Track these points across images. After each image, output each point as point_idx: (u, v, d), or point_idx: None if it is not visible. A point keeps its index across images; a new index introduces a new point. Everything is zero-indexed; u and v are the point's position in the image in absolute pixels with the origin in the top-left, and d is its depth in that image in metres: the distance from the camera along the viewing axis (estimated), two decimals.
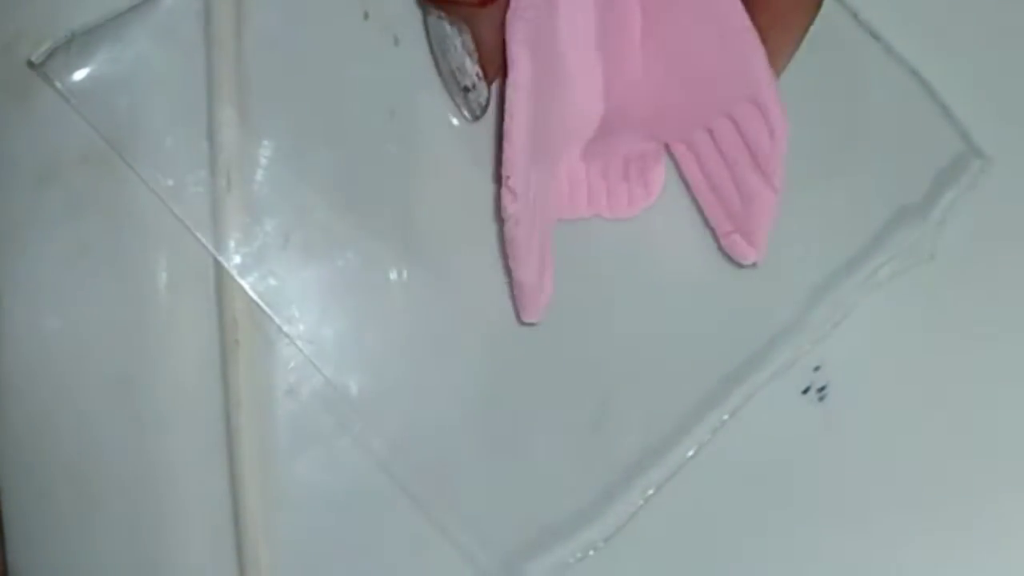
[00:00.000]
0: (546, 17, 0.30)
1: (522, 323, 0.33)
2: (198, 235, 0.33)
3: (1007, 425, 0.37)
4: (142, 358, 0.33)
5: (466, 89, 0.32)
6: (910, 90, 0.36)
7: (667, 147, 0.35)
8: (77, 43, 0.33)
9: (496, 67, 0.32)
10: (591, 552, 0.34)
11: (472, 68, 0.31)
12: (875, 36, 0.36)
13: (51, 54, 0.33)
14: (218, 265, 0.33)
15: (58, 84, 0.33)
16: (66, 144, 0.33)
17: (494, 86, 0.33)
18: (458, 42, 0.31)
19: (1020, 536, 0.36)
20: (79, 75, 0.33)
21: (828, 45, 0.35)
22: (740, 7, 0.30)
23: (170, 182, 0.33)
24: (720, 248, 0.35)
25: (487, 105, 0.33)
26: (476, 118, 0.34)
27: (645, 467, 0.35)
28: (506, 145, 0.28)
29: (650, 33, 0.32)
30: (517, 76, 0.28)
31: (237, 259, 0.33)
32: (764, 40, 0.30)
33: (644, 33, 0.32)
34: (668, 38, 0.32)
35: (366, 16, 0.34)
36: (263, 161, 0.34)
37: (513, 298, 0.33)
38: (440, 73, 0.33)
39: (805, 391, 0.36)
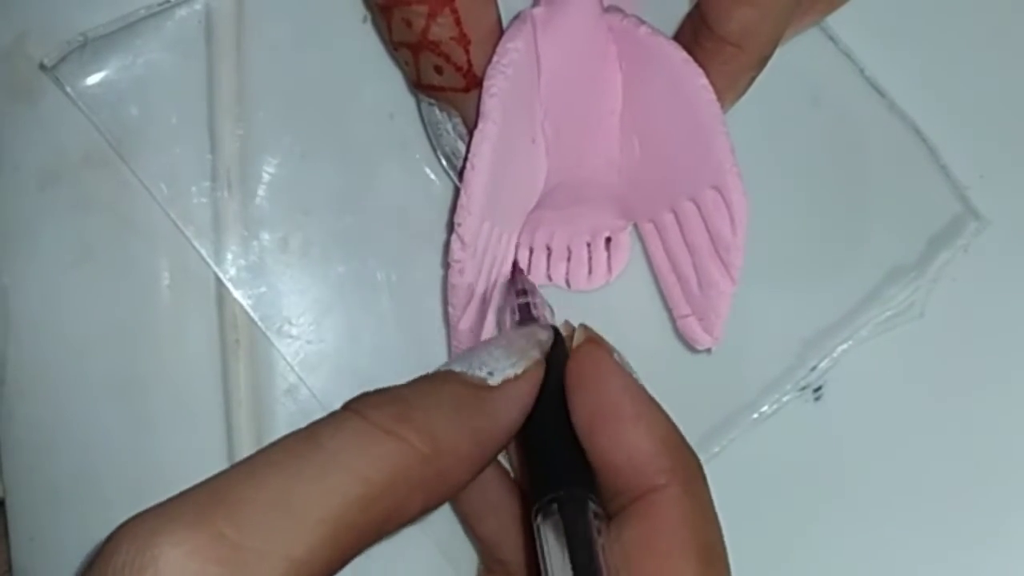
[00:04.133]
0: (525, 77, 0.30)
1: None
2: (197, 245, 0.34)
3: (1002, 427, 0.37)
4: (144, 357, 0.34)
5: (463, 173, 0.32)
6: (911, 149, 0.36)
7: (635, 226, 0.35)
8: (90, 49, 0.33)
9: None
10: None
11: (465, 152, 0.31)
12: (880, 93, 0.36)
13: (63, 58, 0.33)
14: (219, 265, 0.34)
15: (68, 88, 0.33)
16: (70, 145, 0.33)
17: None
18: (449, 127, 0.31)
19: (1017, 535, 0.36)
20: (91, 80, 0.33)
21: (833, 99, 0.36)
22: (713, 99, 0.30)
23: (173, 190, 0.34)
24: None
25: None
26: None
27: None
28: (463, 193, 0.28)
29: (628, 111, 0.32)
30: (486, 128, 0.28)
31: (233, 270, 0.34)
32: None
33: (623, 110, 0.32)
34: (644, 118, 0.32)
35: (365, 20, 0.34)
36: (264, 167, 0.34)
37: (449, 346, 0.33)
38: (438, 157, 0.33)
39: (801, 390, 0.36)
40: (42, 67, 0.33)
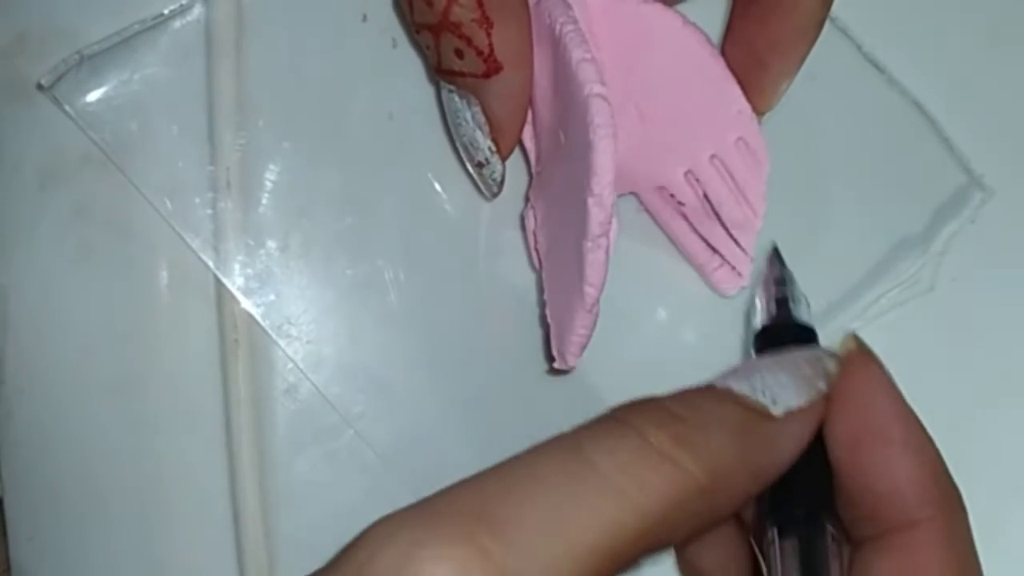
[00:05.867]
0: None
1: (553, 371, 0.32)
2: (204, 257, 0.34)
3: (1004, 442, 0.37)
4: (143, 358, 0.34)
5: (480, 165, 0.32)
6: (913, 122, 0.36)
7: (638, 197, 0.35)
8: (87, 66, 0.33)
9: (509, 142, 0.31)
10: None
11: (484, 142, 0.31)
12: (879, 68, 0.36)
13: (61, 77, 0.33)
14: (219, 265, 0.34)
15: (67, 107, 0.33)
16: (69, 145, 0.33)
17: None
18: (468, 115, 0.30)
19: (1017, 541, 0.36)
20: (89, 98, 0.34)
21: (832, 77, 0.36)
22: (717, 54, 0.31)
23: (176, 203, 0.34)
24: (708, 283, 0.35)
25: (503, 181, 0.32)
26: (494, 195, 0.33)
27: None
28: (597, 164, 0.27)
29: (623, 84, 0.32)
30: (604, 91, 0.27)
31: (241, 279, 0.34)
32: (763, 66, 0.31)
33: (616, 84, 0.31)
34: (645, 87, 0.32)
35: (364, 19, 0.35)
36: (266, 174, 0.34)
37: (551, 342, 0.32)
38: (456, 149, 0.33)
39: None
40: (39, 87, 0.33)
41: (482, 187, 0.33)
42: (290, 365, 0.34)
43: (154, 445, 0.34)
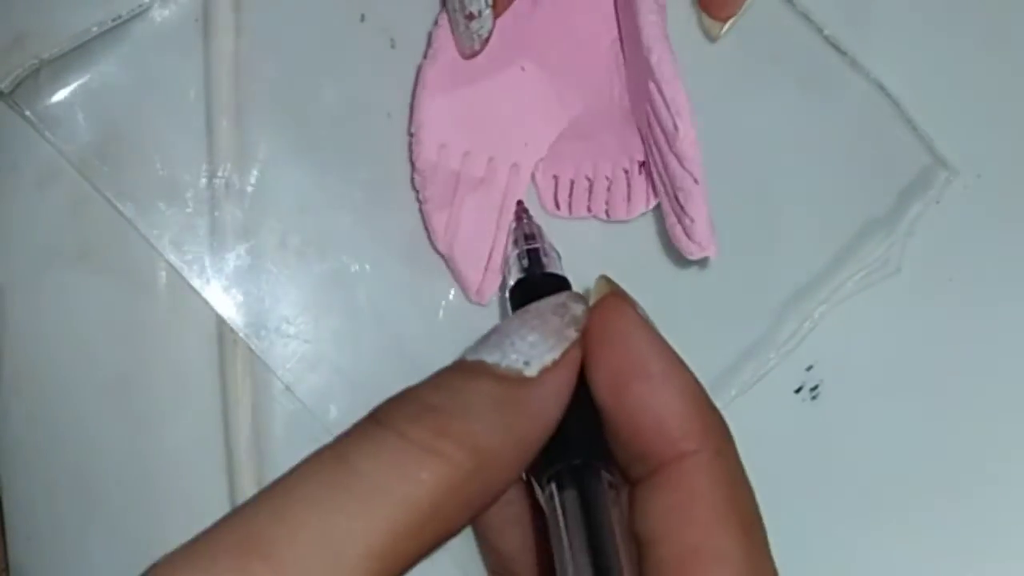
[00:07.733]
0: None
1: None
2: (202, 256, 0.33)
3: (994, 424, 0.37)
4: (141, 357, 0.34)
5: (470, 16, 0.30)
6: (876, 104, 0.36)
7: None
8: (46, 71, 0.33)
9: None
10: None
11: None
12: (840, 51, 0.36)
13: (19, 83, 0.33)
14: (216, 265, 0.34)
15: (27, 112, 0.33)
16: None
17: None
18: None
19: (1012, 532, 0.36)
20: (54, 99, 0.33)
21: (793, 60, 0.36)
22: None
23: (173, 204, 0.34)
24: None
25: (488, 39, 0.31)
26: (474, 53, 0.32)
27: None
28: (416, 125, 0.29)
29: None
30: (435, 54, 0.29)
31: (234, 267, 0.34)
32: None
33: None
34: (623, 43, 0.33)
35: (363, 19, 0.35)
36: (261, 171, 0.34)
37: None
38: (444, 2, 0.32)
39: (798, 390, 0.36)
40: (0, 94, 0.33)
41: (463, 42, 0.32)
42: (288, 364, 0.34)
43: (152, 444, 0.34)
